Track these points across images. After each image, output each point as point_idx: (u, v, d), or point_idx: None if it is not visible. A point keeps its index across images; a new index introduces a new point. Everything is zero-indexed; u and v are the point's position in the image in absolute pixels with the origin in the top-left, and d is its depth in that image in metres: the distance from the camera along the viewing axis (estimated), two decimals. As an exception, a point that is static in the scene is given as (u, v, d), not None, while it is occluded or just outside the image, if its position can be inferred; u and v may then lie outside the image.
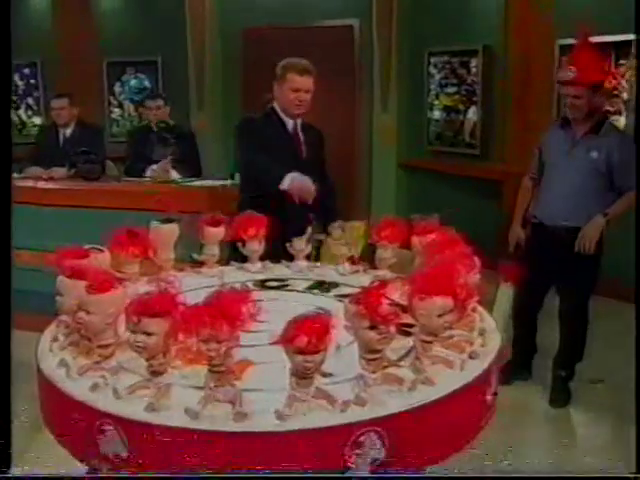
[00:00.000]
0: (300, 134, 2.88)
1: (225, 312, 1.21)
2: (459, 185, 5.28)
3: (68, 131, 4.36)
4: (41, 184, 3.92)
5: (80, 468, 1.39)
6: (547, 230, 3.00)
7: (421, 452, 1.31)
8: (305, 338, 1.19)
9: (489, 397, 1.49)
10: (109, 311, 1.36)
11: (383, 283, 1.34)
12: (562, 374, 3.05)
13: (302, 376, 1.24)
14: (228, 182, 3.79)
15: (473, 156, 5.21)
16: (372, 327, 1.29)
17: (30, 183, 3.87)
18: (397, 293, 1.42)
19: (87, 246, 1.68)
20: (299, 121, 2.88)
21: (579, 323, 3.04)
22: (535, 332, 3.20)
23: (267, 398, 1.27)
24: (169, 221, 2.02)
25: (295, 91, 2.75)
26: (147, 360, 1.29)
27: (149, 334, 1.25)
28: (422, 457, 1.32)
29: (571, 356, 3.08)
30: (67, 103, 4.31)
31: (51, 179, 4.01)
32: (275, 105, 2.86)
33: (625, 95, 4.19)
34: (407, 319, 1.42)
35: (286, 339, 1.21)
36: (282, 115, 2.84)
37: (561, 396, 3.02)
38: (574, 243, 2.89)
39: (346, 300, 1.35)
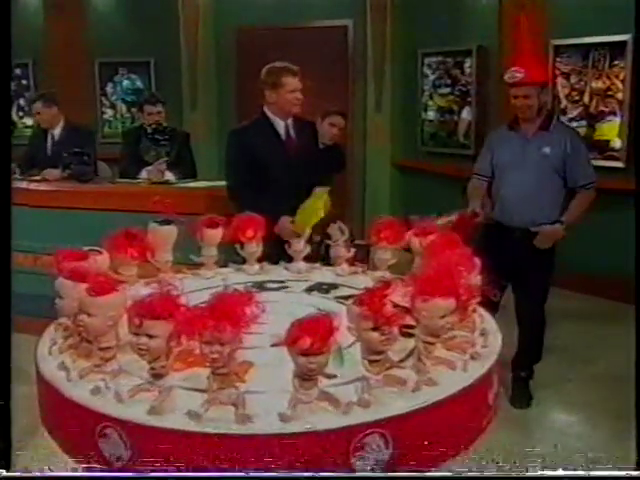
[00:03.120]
0: (292, 133, 2.97)
1: (229, 314, 1.20)
2: (453, 186, 5.28)
3: (56, 133, 4.29)
4: (34, 186, 3.88)
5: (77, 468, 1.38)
6: (504, 230, 2.99)
7: (424, 453, 1.31)
8: (309, 339, 1.19)
9: (491, 398, 1.49)
10: (110, 313, 1.35)
11: (386, 284, 1.33)
12: (522, 374, 3.03)
13: (305, 378, 1.23)
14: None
15: (467, 156, 5.18)
16: (375, 328, 1.28)
17: (24, 184, 3.84)
18: (399, 294, 1.42)
19: (86, 248, 1.66)
20: (290, 121, 2.97)
21: (537, 323, 3.04)
22: None
23: (270, 400, 1.27)
24: (167, 222, 2.01)
25: (292, 92, 2.89)
26: (149, 363, 1.28)
27: (151, 336, 1.25)
28: (425, 458, 1.31)
29: (530, 357, 3.06)
30: (41, 106, 4.19)
31: (44, 180, 3.98)
32: (266, 110, 2.95)
33: (620, 95, 4.20)
34: (409, 320, 1.42)
35: (290, 341, 1.20)
36: (273, 118, 2.94)
37: (522, 397, 3.00)
38: (530, 243, 2.92)
39: (349, 301, 1.35)
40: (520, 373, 3.04)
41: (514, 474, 1.39)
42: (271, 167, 2.85)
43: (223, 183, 3.86)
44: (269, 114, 2.94)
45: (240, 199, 2.81)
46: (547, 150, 2.91)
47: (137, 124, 4.59)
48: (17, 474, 1.41)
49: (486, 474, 1.41)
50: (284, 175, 2.83)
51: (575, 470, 1.41)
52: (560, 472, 1.42)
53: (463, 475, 1.37)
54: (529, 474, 1.40)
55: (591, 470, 1.40)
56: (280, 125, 2.95)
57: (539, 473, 1.41)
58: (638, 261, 1.97)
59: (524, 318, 3.03)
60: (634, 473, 1.43)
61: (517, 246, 2.94)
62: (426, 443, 1.31)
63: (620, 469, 1.41)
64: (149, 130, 4.06)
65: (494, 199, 3.12)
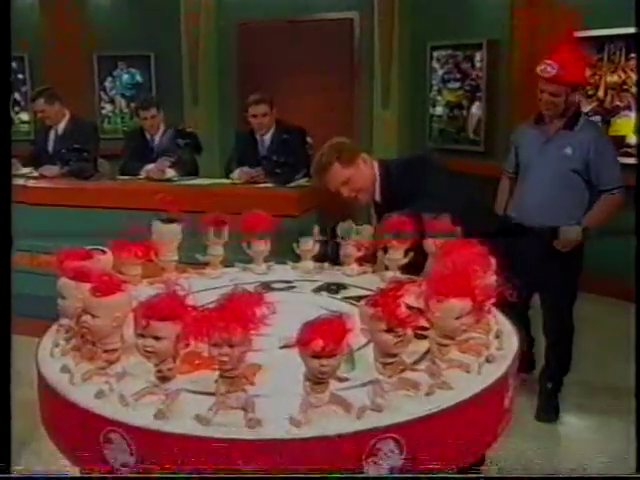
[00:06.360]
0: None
1: (238, 315, 1.16)
2: (462, 183, 5.21)
3: (60, 128, 4.24)
4: (32, 183, 3.83)
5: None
6: (525, 230, 2.82)
7: (439, 459, 1.27)
8: (321, 342, 1.15)
9: (507, 402, 1.45)
10: (115, 314, 1.31)
11: (400, 285, 1.29)
12: (549, 386, 2.92)
13: (317, 381, 1.20)
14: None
15: (477, 153, 5.13)
16: (389, 330, 1.25)
17: (21, 181, 3.77)
18: (413, 295, 1.38)
19: (89, 247, 1.62)
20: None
21: (565, 332, 2.91)
22: (529, 325, 3.03)
23: (280, 404, 1.23)
24: (171, 221, 1.97)
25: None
26: (156, 365, 1.24)
27: (158, 338, 1.21)
28: (440, 464, 1.27)
29: (558, 369, 2.94)
30: (44, 102, 4.12)
31: (42, 177, 3.92)
32: None
33: (635, 90, 4.09)
34: (423, 322, 1.38)
35: (301, 342, 1.17)
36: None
37: (549, 411, 2.90)
38: (552, 243, 2.81)
39: (362, 302, 1.31)
40: (547, 385, 2.92)
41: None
42: None
43: (225, 181, 3.85)
44: None
45: None
46: (568, 151, 2.77)
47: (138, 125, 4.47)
48: (16, 475, 1.38)
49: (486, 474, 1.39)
50: None
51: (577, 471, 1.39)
52: (561, 473, 1.40)
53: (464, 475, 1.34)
54: (534, 475, 1.38)
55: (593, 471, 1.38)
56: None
57: (541, 474, 1.39)
58: (638, 260, 1.93)
59: (551, 327, 2.89)
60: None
61: (538, 248, 2.79)
62: (440, 448, 1.27)
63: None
64: (170, 134, 3.98)
65: (515, 198, 3.01)
